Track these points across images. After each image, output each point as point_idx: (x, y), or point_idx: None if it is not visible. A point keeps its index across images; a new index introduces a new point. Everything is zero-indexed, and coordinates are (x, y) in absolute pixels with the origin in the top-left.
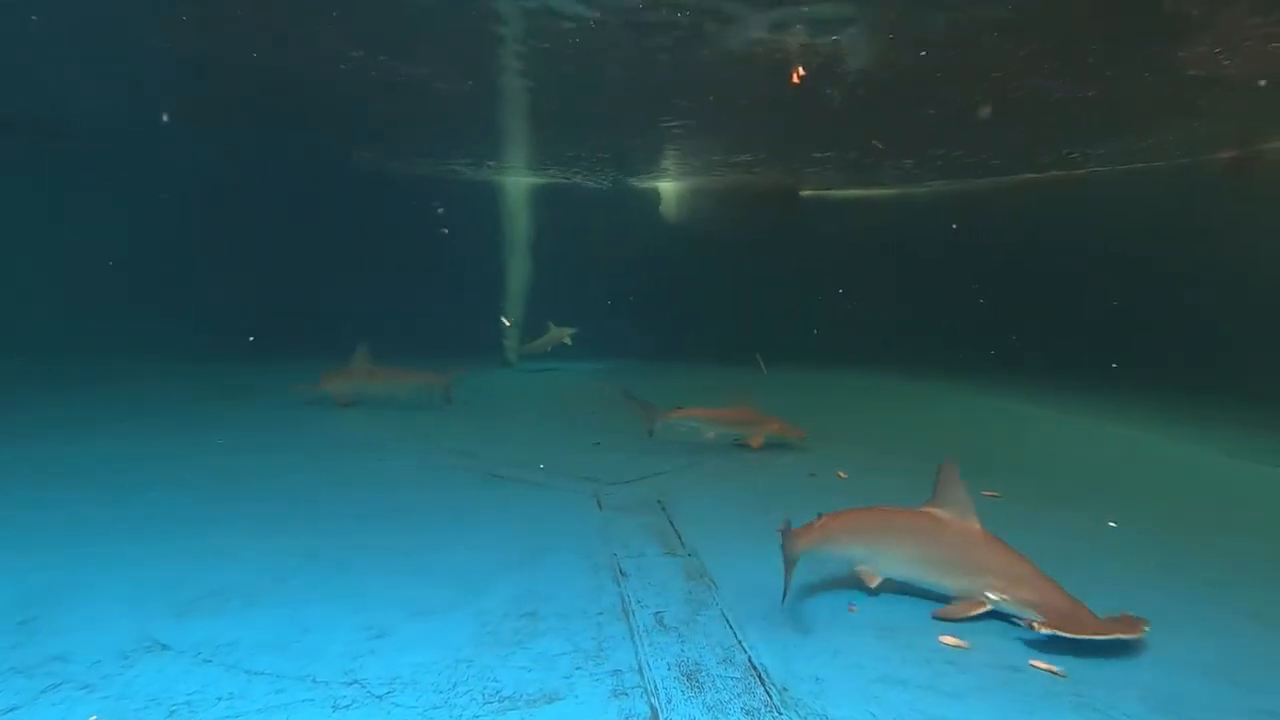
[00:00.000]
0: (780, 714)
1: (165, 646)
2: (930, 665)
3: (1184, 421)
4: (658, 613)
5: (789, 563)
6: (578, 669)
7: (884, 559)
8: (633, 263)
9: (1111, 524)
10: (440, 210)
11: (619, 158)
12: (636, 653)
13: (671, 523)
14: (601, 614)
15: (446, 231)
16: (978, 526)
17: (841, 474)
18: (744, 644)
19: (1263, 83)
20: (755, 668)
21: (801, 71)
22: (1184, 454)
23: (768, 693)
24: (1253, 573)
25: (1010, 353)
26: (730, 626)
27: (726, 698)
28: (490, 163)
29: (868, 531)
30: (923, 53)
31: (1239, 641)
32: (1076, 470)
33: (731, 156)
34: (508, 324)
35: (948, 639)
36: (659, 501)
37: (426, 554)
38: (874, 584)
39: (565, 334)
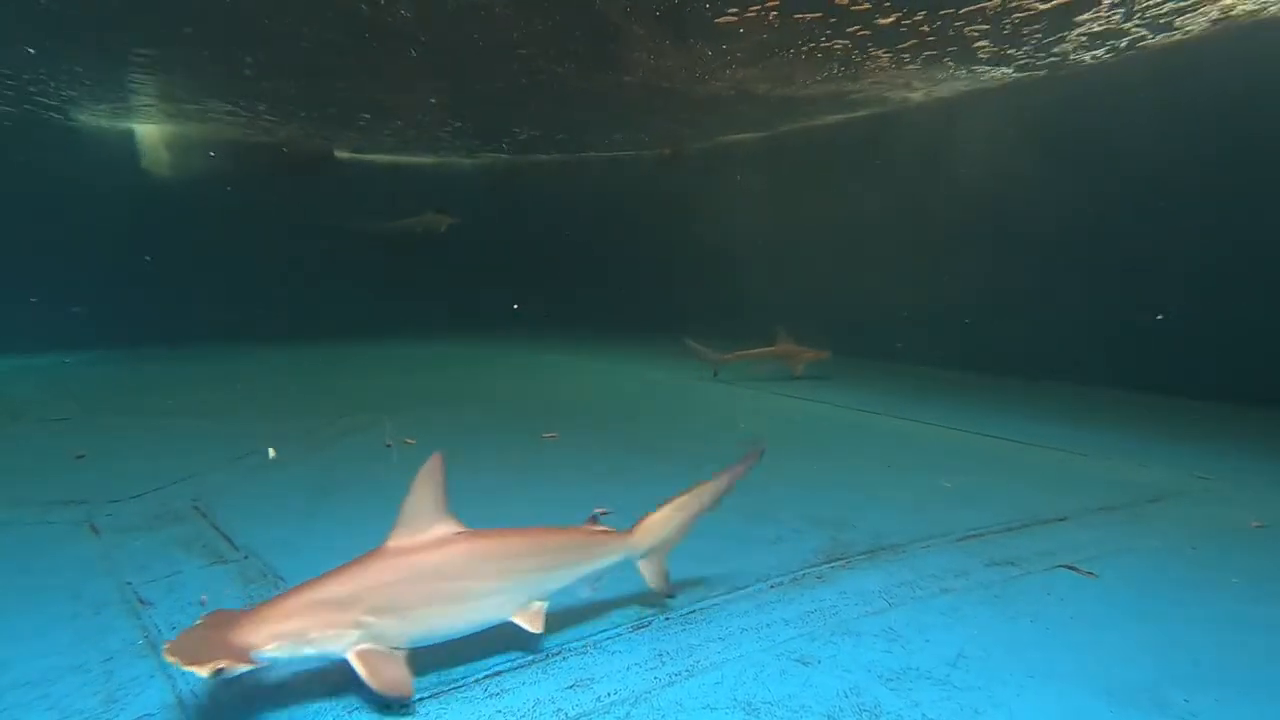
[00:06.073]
0: None
1: None
2: None
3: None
4: None
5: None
6: None
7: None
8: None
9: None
10: None
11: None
12: (174, 685)
13: (217, 527)
14: (110, 659)
15: None
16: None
17: (409, 440)
18: None
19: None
20: None
21: None
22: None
23: None
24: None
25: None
26: None
27: None
28: None
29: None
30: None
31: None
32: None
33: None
34: None
35: None
36: (195, 507)
37: None
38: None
39: None
